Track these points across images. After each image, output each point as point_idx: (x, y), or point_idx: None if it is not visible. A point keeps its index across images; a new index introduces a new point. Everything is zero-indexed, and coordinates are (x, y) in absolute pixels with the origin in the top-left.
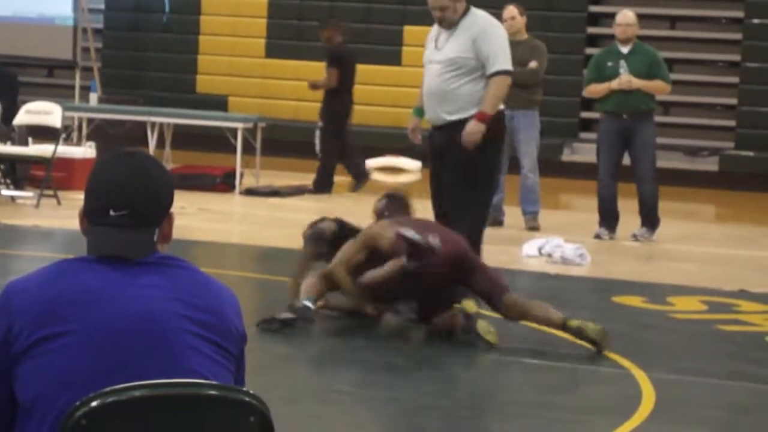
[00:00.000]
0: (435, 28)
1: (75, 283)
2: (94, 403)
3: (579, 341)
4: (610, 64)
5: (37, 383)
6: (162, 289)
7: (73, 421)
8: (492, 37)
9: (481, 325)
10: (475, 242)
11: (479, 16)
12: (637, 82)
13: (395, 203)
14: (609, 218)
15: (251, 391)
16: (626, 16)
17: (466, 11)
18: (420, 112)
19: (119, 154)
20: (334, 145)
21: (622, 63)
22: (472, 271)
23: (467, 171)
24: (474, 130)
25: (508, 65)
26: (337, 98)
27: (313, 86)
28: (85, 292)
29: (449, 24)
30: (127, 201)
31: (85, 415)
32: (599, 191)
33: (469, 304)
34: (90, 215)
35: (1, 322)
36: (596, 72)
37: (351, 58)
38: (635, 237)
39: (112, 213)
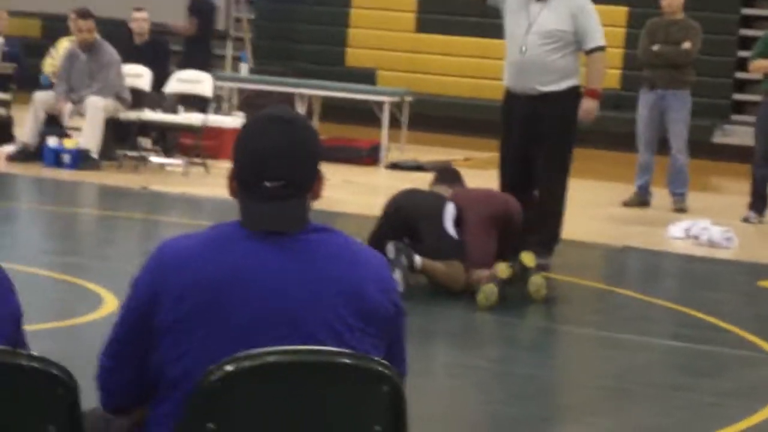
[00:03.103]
0: None
1: (233, 262)
2: (228, 367)
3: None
4: None
5: (185, 359)
6: (310, 273)
7: (207, 384)
8: (590, 13)
9: (534, 280)
10: (561, 211)
11: None
12: None
13: (450, 175)
14: (759, 201)
15: (384, 361)
16: None
17: None
18: None
19: (270, 118)
20: None
21: None
22: (512, 231)
23: (561, 140)
24: (591, 108)
25: (604, 41)
26: None
27: None
28: (240, 274)
29: None
30: (284, 171)
31: (220, 379)
32: (753, 173)
33: (527, 257)
34: (243, 184)
35: (150, 284)
36: (764, 47)
37: None
38: None
39: (267, 184)
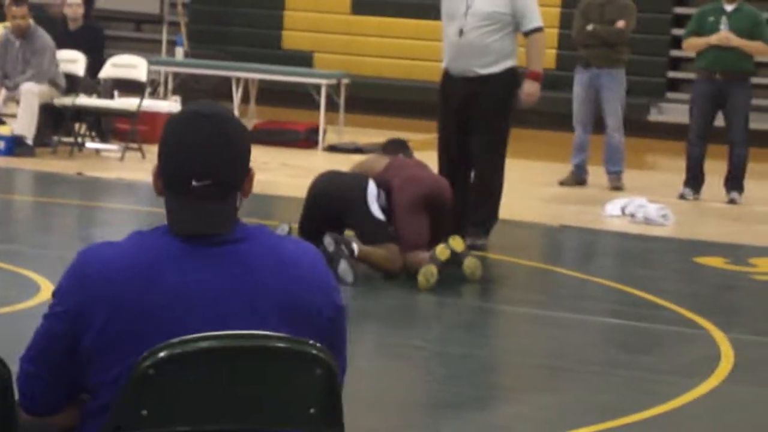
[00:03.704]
0: None
1: (162, 282)
2: (162, 354)
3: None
4: (711, 19)
5: (114, 373)
6: (242, 288)
7: (140, 370)
8: None
9: (469, 261)
10: (498, 191)
11: None
12: (736, 40)
13: (396, 145)
14: (695, 178)
15: (318, 344)
16: None
17: None
18: None
19: (196, 114)
20: None
21: (724, 19)
22: (441, 211)
23: (498, 122)
24: (533, 90)
25: (541, 21)
26: None
27: None
28: (172, 295)
29: None
30: (211, 168)
31: (153, 365)
32: (688, 151)
33: (456, 242)
34: (169, 182)
35: (74, 301)
36: (696, 26)
37: None
38: (733, 201)
39: (194, 183)
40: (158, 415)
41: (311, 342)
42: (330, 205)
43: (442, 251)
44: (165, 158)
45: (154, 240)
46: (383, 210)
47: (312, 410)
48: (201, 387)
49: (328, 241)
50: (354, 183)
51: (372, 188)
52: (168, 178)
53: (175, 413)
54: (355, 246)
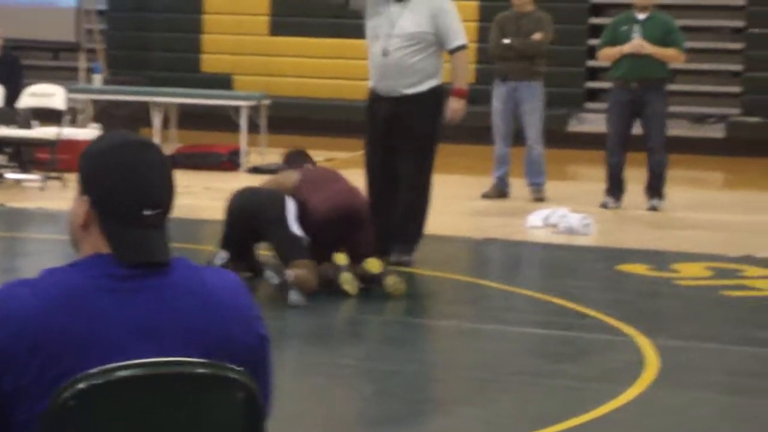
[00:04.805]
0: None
1: (87, 325)
2: (81, 385)
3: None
4: (624, 28)
5: (38, 409)
6: (167, 317)
7: (60, 402)
8: (450, 12)
9: (344, 277)
10: (424, 209)
11: None
12: (649, 48)
13: (297, 156)
14: (615, 187)
15: (238, 368)
16: None
17: None
18: None
19: (131, 144)
20: None
21: (636, 28)
22: (358, 226)
23: (425, 140)
24: (458, 107)
25: (465, 39)
26: None
27: None
28: (97, 337)
29: None
30: (162, 197)
31: (73, 396)
32: (607, 159)
33: (340, 257)
34: (114, 211)
35: None
36: (610, 36)
37: None
38: (654, 208)
39: (147, 212)
40: None
41: (231, 366)
42: (250, 222)
43: (340, 258)
44: (111, 188)
45: (73, 274)
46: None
47: None
48: (123, 416)
49: (270, 274)
50: (272, 200)
51: (291, 206)
52: (114, 208)
53: None
54: (289, 273)
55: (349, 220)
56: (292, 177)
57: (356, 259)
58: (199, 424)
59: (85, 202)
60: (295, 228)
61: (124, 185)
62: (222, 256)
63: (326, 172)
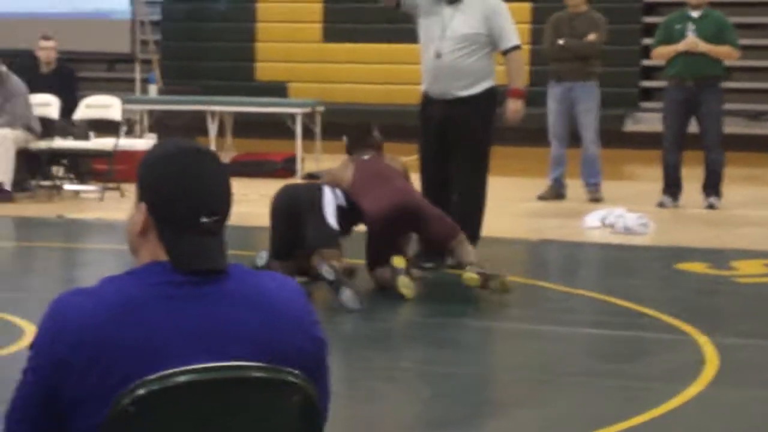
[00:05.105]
0: (427, 1)
1: (144, 332)
2: (140, 391)
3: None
4: (678, 26)
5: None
6: (224, 325)
7: (119, 409)
8: (503, 13)
9: (402, 281)
10: (480, 211)
11: None
12: (704, 46)
13: (358, 140)
14: (672, 186)
15: (296, 372)
16: None
17: None
18: None
19: (188, 151)
20: None
21: (690, 25)
22: (418, 222)
23: (479, 142)
24: (518, 108)
25: (519, 39)
26: None
27: None
28: (155, 344)
29: None
30: (219, 205)
31: (133, 403)
32: (664, 158)
33: (398, 260)
34: (171, 219)
35: (48, 352)
36: (664, 34)
37: None
38: (711, 206)
39: (204, 219)
40: None
41: (289, 370)
42: (289, 216)
43: (398, 261)
44: (168, 195)
45: (131, 282)
46: (341, 209)
47: None
48: (181, 422)
49: (326, 269)
50: (309, 191)
51: (329, 198)
52: (171, 215)
53: None
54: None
55: (404, 220)
56: (346, 175)
57: (435, 247)
58: (257, 428)
59: (143, 209)
60: (332, 219)
61: (181, 192)
62: (263, 255)
63: (380, 170)
